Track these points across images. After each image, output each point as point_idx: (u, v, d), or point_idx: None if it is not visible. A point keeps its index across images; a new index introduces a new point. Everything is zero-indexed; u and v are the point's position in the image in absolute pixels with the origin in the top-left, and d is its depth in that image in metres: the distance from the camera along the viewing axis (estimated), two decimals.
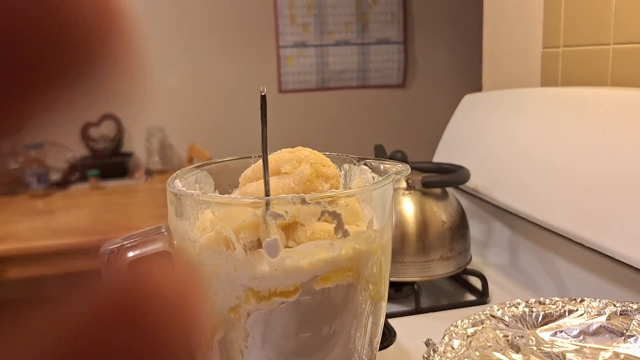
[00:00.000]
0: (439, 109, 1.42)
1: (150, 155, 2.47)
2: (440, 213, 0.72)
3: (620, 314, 0.51)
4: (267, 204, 0.31)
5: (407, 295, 0.72)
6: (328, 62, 2.66)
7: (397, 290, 0.73)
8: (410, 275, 0.69)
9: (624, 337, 0.50)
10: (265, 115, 0.32)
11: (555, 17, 0.89)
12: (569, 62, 0.87)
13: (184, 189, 0.35)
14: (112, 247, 0.34)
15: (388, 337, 0.55)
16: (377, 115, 2.81)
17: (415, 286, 0.69)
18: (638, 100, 0.62)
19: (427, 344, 0.50)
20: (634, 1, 0.72)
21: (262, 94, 0.30)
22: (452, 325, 0.50)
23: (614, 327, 0.50)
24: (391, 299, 0.72)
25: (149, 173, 2.39)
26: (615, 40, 0.77)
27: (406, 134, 2.79)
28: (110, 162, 2.36)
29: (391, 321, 0.63)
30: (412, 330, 0.61)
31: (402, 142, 2.71)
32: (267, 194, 0.33)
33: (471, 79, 1.45)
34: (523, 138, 0.77)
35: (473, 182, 0.83)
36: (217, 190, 0.41)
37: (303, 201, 0.32)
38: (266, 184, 0.33)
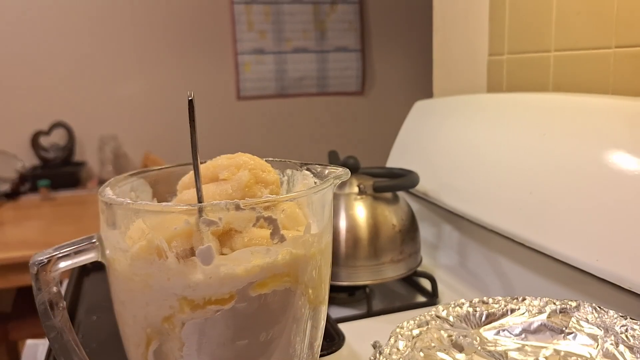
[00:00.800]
0: (396, 115, 1.45)
1: (104, 165, 2.41)
2: (391, 217, 0.73)
3: (560, 312, 0.53)
4: (200, 211, 0.31)
5: (360, 300, 0.73)
6: (287, 69, 2.67)
7: (351, 294, 0.73)
8: (362, 279, 0.70)
9: (563, 335, 0.51)
10: (194, 120, 0.31)
11: (499, 26, 0.92)
12: (513, 69, 0.90)
13: (114, 197, 0.34)
14: (42, 258, 0.33)
15: (337, 341, 0.55)
16: (336, 122, 2.83)
17: (367, 290, 0.69)
18: (575, 104, 0.65)
19: (374, 346, 0.51)
20: (572, 10, 0.75)
21: (189, 98, 0.30)
22: (398, 327, 0.50)
23: (554, 324, 0.52)
24: (344, 303, 0.72)
25: (103, 183, 2.33)
26: (556, 47, 0.80)
27: (365, 140, 2.83)
28: (61, 172, 2.29)
29: (343, 325, 0.63)
30: (362, 333, 0.61)
31: (361, 148, 2.75)
32: (199, 200, 0.33)
33: (427, 86, 1.48)
34: (470, 143, 0.79)
35: (423, 187, 0.84)
36: (155, 199, 0.40)
37: (237, 207, 0.32)
38: (198, 190, 0.32)
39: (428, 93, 1.17)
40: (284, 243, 0.33)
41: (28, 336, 1.61)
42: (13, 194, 2.18)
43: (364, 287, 0.70)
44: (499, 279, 0.72)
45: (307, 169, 0.42)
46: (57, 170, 2.30)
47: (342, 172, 0.40)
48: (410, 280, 0.76)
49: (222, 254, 0.32)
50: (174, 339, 0.32)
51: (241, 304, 0.32)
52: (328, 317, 0.60)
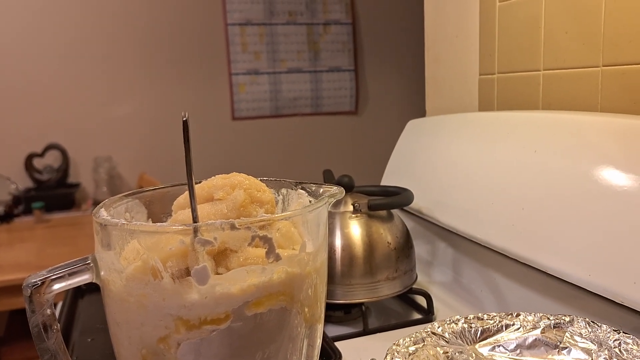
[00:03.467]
0: (390, 134, 1.47)
1: (98, 186, 2.41)
2: (386, 235, 0.73)
3: (554, 327, 0.53)
4: (195, 231, 0.31)
5: (356, 317, 0.73)
6: (282, 89, 2.69)
7: (347, 312, 0.73)
8: (358, 296, 0.70)
9: (557, 349, 0.51)
10: (188, 141, 0.32)
11: (490, 46, 0.93)
12: (503, 88, 0.91)
13: (109, 218, 0.34)
14: (36, 279, 0.33)
15: (333, 359, 0.55)
16: (331, 141, 2.85)
17: (363, 307, 0.69)
18: (564, 122, 0.66)
19: None
20: (560, 30, 0.77)
21: (184, 119, 0.31)
22: (394, 344, 0.50)
23: (548, 339, 0.52)
24: (340, 321, 0.72)
25: (97, 204, 2.33)
26: (545, 66, 0.82)
27: (359, 159, 2.84)
28: (55, 194, 2.29)
29: (339, 344, 0.63)
30: (359, 351, 0.61)
31: (356, 166, 2.76)
32: (194, 220, 0.33)
33: (420, 105, 1.50)
34: (462, 160, 0.80)
35: (417, 204, 0.85)
36: (149, 220, 0.40)
37: (232, 226, 0.32)
38: (193, 210, 0.33)
39: (421, 112, 1.19)
40: (279, 262, 0.34)
41: None
42: (6, 217, 2.17)
43: (360, 304, 0.70)
44: (494, 294, 0.72)
45: (302, 188, 0.43)
46: (51, 192, 2.30)
47: (337, 191, 0.40)
48: (406, 298, 0.76)
49: (218, 274, 0.32)
50: None
51: (237, 324, 0.32)
52: (324, 336, 0.60)
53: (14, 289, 1.56)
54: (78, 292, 0.78)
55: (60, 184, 2.36)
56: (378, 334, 0.68)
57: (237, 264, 0.33)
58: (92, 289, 0.79)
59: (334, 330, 0.69)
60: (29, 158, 2.37)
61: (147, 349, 0.33)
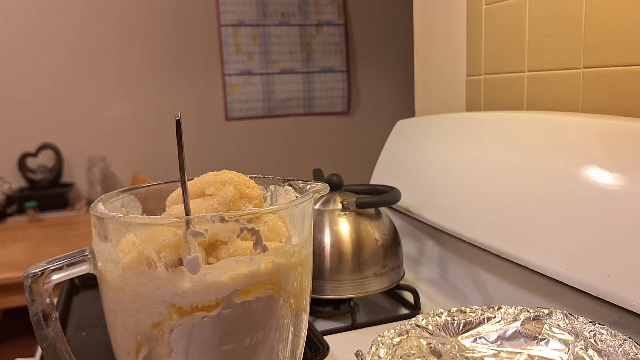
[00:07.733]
0: (380, 134, 1.49)
1: (92, 186, 2.41)
2: (374, 232, 0.75)
3: (533, 319, 0.55)
4: (187, 223, 0.33)
5: (345, 313, 0.75)
6: (274, 90, 2.71)
7: (336, 308, 0.75)
8: (347, 292, 0.72)
9: (536, 340, 0.54)
10: (181, 138, 0.34)
11: (476, 48, 0.96)
12: (490, 89, 0.94)
13: (106, 211, 0.36)
14: (36, 270, 0.35)
15: (322, 351, 0.57)
16: (323, 142, 2.87)
17: (352, 303, 0.71)
18: (546, 122, 0.68)
19: (357, 354, 0.53)
20: (544, 33, 0.79)
21: (177, 118, 0.32)
22: (379, 335, 0.52)
23: (527, 331, 0.54)
24: (330, 316, 0.74)
25: (91, 204, 2.34)
26: (530, 68, 0.84)
27: (351, 158, 2.86)
28: (49, 193, 2.29)
29: (328, 337, 0.65)
30: (346, 344, 0.63)
31: (347, 166, 2.78)
32: (187, 214, 0.35)
33: (410, 105, 1.52)
34: (449, 160, 0.82)
35: (405, 202, 0.87)
36: (144, 214, 0.42)
37: (222, 219, 0.34)
38: (185, 204, 0.35)
39: (411, 112, 1.21)
40: (266, 253, 0.36)
41: (15, 358, 1.60)
42: (0, 216, 2.18)
43: (348, 300, 0.72)
44: (478, 290, 0.74)
45: (289, 185, 0.45)
46: (45, 192, 2.30)
47: (322, 187, 0.42)
48: (394, 293, 0.78)
49: (208, 264, 0.34)
50: (163, 345, 0.34)
51: (226, 310, 0.34)
52: (313, 329, 0.62)
53: (8, 288, 1.57)
54: (73, 289, 0.79)
55: (53, 184, 2.37)
56: (366, 329, 0.70)
57: (226, 255, 0.35)
58: (87, 285, 0.80)
59: (323, 325, 0.71)
60: (23, 158, 2.37)
61: (142, 335, 0.35)
